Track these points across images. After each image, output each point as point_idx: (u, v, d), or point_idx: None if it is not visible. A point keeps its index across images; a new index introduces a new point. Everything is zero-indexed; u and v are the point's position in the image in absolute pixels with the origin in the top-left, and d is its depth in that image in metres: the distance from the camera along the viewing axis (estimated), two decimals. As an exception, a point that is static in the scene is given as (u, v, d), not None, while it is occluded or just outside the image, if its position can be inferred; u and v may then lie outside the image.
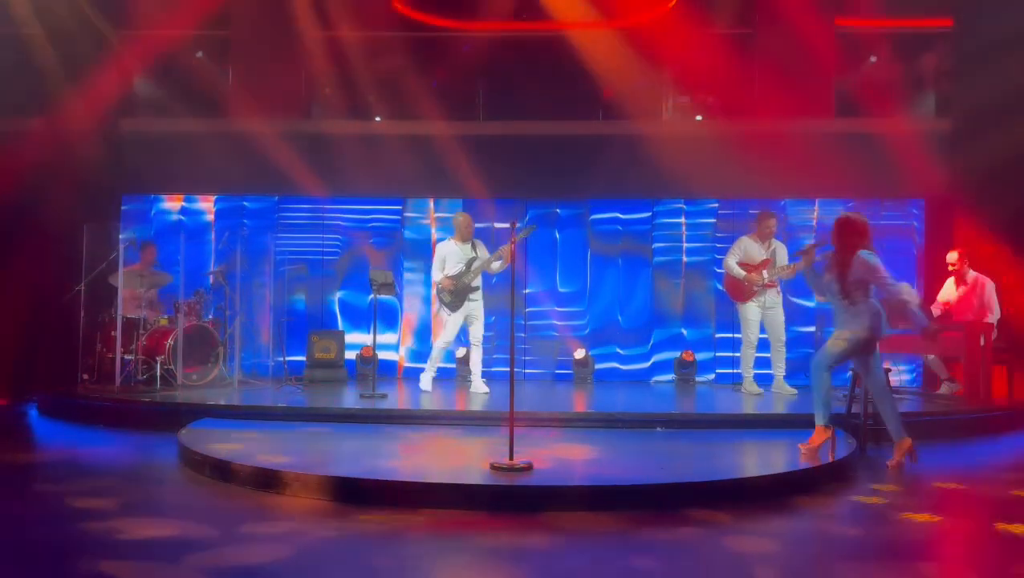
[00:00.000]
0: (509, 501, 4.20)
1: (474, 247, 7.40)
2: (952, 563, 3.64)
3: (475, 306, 7.35)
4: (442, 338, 7.47)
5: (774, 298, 7.56)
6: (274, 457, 4.86)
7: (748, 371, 7.68)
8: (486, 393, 7.37)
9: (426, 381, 7.53)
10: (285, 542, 3.63)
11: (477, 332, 7.44)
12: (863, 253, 5.12)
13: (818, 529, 4.12)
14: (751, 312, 7.55)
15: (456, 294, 7.26)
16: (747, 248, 7.59)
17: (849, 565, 3.47)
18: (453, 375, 8.68)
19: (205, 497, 4.51)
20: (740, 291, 7.60)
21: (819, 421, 5.23)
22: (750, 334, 7.58)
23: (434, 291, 7.66)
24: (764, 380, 7.82)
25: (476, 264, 7.27)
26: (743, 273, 7.51)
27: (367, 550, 3.59)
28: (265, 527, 3.87)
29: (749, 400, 7.40)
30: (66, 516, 4.00)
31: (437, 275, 7.34)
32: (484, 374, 7.66)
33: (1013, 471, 5.54)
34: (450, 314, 7.33)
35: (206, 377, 7.76)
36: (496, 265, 7.29)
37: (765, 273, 7.47)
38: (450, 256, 7.36)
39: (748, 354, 7.66)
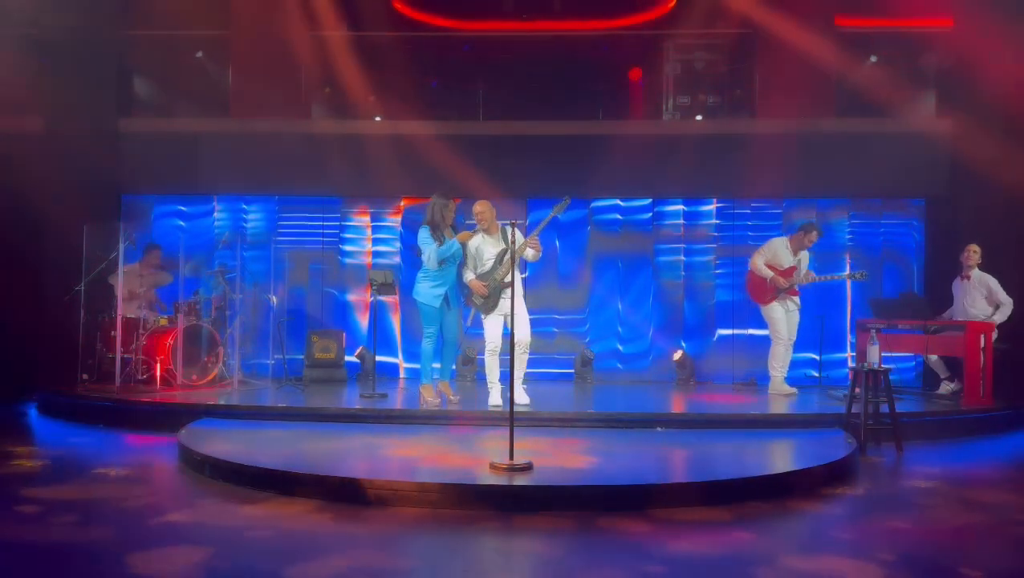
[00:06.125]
0: (509, 501, 4.20)
1: (506, 236, 6.47)
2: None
3: (514, 304, 5.86)
4: (487, 346, 6.58)
5: (796, 302, 7.51)
6: (274, 457, 4.85)
7: (778, 370, 7.52)
8: (526, 404, 6.49)
9: (495, 396, 6.63)
10: (285, 541, 3.63)
11: (520, 334, 6.24)
12: None
13: (816, 529, 4.12)
14: (776, 311, 7.46)
15: (488, 296, 6.46)
16: (777, 251, 7.53)
17: (848, 564, 3.48)
18: (452, 375, 8.66)
19: (204, 497, 4.51)
20: (762, 292, 7.54)
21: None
22: (780, 331, 7.43)
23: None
24: (761, 379, 7.79)
25: (508, 256, 6.30)
26: (770, 273, 7.45)
27: (367, 550, 3.59)
28: (265, 527, 3.87)
29: (777, 401, 7.26)
30: (65, 515, 4.00)
31: (468, 275, 6.56)
32: (480, 375, 7.46)
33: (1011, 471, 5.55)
34: (486, 317, 6.53)
35: (206, 377, 7.76)
36: (530, 254, 6.35)
37: (791, 279, 7.42)
38: (481, 251, 6.52)
39: (778, 352, 7.49)
